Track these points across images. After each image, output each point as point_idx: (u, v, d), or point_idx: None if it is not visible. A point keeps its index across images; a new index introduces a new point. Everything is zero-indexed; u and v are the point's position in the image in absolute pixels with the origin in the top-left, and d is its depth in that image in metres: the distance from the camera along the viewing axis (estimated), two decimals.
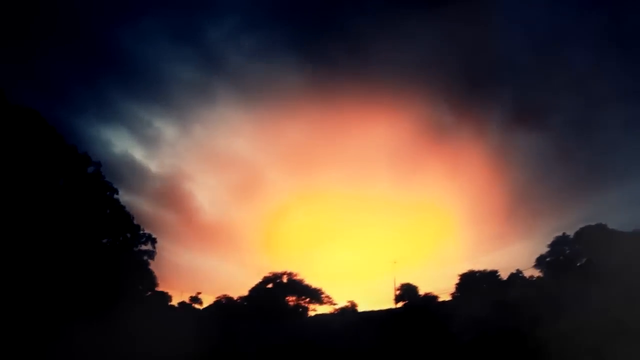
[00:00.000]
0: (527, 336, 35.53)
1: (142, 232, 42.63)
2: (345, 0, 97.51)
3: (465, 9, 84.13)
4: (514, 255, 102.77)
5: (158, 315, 43.78)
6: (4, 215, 27.76)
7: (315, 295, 65.12)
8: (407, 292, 65.01)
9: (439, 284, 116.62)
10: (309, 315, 64.84)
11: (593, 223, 52.97)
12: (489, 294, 52.16)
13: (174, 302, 65.29)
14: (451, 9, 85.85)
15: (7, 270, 26.93)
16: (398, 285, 65.54)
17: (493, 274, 60.13)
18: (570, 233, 54.78)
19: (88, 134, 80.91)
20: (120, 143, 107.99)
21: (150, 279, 48.91)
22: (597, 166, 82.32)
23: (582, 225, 54.35)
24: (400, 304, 65.03)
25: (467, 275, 61.27)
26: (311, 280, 65.45)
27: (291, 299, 65.23)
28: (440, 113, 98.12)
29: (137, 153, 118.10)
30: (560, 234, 56.03)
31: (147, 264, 45.02)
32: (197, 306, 68.85)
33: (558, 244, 55.49)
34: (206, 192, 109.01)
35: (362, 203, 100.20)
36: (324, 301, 65.11)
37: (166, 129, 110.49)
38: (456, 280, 61.98)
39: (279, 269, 65.51)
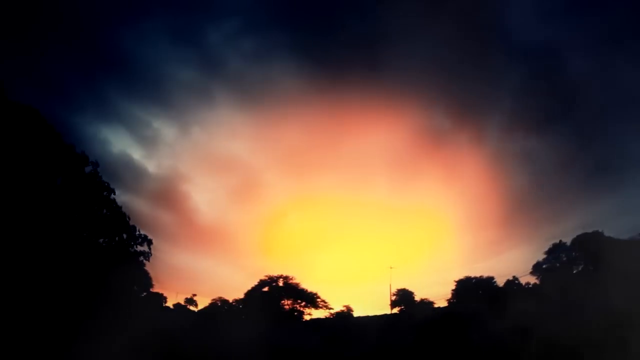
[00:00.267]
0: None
1: (138, 232, 42.40)
2: (345, 4, 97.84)
3: (464, 14, 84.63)
4: (510, 261, 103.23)
5: (153, 316, 43.60)
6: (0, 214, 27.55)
7: (311, 300, 64.95)
8: (403, 297, 64.98)
9: (435, 289, 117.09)
10: (304, 319, 64.68)
11: (590, 230, 53.14)
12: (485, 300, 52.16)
13: (169, 303, 65.15)
14: (450, 14, 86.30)
15: (1, 270, 26.69)
16: (394, 290, 65.61)
17: (489, 280, 60.14)
18: (567, 240, 54.92)
19: (86, 132, 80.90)
20: (119, 143, 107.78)
21: (145, 280, 48.71)
22: (594, 174, 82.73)
23: (578, 233, 54.47)
24: (396, 309, 65.00)
25: (463, 282, 61.25)
26: (307, 284, 65.48)
27: (287, 303, 65.01)
28: (438, 118, 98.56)
29: (135, 153, 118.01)
30: (557, 241, 56.12)
31: (143, 264, 44.80)
32: (192, 308, 68.65)
33: (555, 251, 55.52)
34: (203, 193, 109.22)
35: (359, 208, 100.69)
36: (320, 305, 64.99)
37: (165, 129, 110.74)
38: (452, 286, 62.13)
39: (275, 272, 65.58)
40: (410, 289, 65.32)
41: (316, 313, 65.27)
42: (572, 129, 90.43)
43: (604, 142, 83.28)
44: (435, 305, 62.84)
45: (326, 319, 63.82)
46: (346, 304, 65.67)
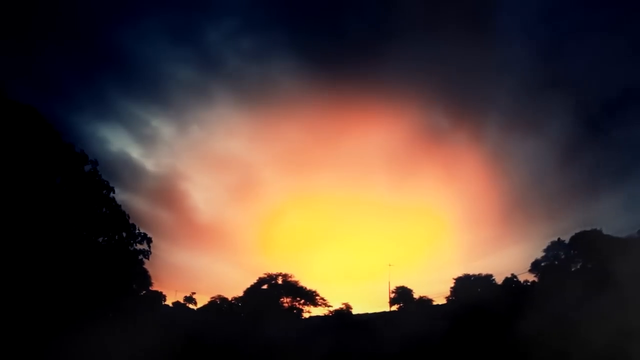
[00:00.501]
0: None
1: (137, 231, 42.37)
2: (344, 3, 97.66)
3: (463, 13, 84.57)
4: (509, 259, 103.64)
5: (152, 314, 43.73)
6: None
7: (310, 297, 65.09)
8: (402, 295, 65.19)
9: (434, 287, 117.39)
10: (303, 317, 64.87)
11: (588, 228, 53.22)
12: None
13: (169, 301, 65.29)
14: (448, 13, 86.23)
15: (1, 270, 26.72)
16: (393, 288, 65.82)
17: (488, 278, 60.33)
18: (566, 238, 55.10)
19: (85, 131, 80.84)
20: (118, 141, 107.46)
21: (144, 278, 48.79)
22: (593, 172, 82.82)
23: (577, 230, 54.65)
24: (395, 307, 65.21)
25: (462, 279, 61.43)
26: (306, 282, 65.62)
27: (286, 300, 65.15)
28: (437, 117, 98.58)
29: (134, 152, 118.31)
30: (555, 238, 56.33)
31: (142, 263, 44.82)
32: (191, 306, 68.83)
33: (553, 249, 55.71)
34: (202, 192, 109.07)
35: (358, 206, 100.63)
36: (319, 303, 65.15)
37: (163, 128, 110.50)
38: (451, 283, 62.33)
39: (274, 270, 65.71)
40: (409, 286, 65.68)
41: (315, 310, 65.57)
42: (571, 128, 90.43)
43: (603, 140, 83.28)
44: (434, 303, 63.18)
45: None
46: (345, 302, 65.94)
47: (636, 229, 48.62)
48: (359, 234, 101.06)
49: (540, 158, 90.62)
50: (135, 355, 30.52)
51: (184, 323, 49.37)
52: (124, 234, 40.21)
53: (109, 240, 38.62)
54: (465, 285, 60.08)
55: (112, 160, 77.80)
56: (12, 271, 27.20)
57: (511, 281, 58.31)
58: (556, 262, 55.15)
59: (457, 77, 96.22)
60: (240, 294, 65.37)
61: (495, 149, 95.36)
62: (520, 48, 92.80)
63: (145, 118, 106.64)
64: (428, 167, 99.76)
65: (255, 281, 64.93)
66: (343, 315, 63.32)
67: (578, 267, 52.98)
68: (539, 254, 56.46)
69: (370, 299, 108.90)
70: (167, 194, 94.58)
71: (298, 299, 65.23)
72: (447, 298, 62.04)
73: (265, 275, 64.84)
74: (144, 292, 50.86)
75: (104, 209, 37.63)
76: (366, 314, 65.07)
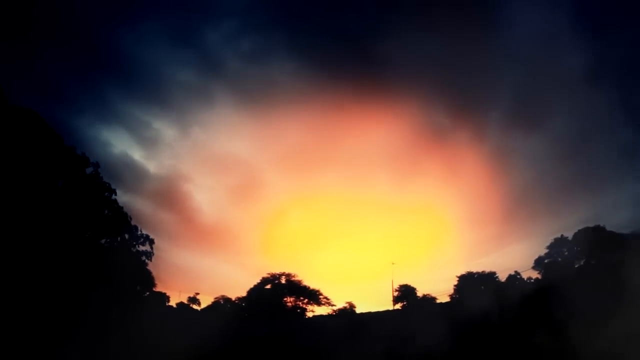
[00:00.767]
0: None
1: (140, 232, 42.71)
2: (344, 3, 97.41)
3: (464, 11, 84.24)
4: (512, 256, 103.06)
5: (156, 315, 43.84)
6: (2, 216, 27.74)
7: (314, 297, 65.17)
8: (405, 293, 65.19)
9: (438, 285, 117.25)
10: (307, 317, 64.98)
11: (591, 225, 52.98)
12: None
13: (172, 302, 65.56)
14: (449, 11, 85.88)
15: (5, 272, 26.89)
16: (396, 286, 65.85)
17: (491, 275, 60.26)
18: (569, 235, 54.78)
19: (87, 134, 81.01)
20: (119, 144, 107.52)
21: (148, 280, 49.00)
22: (595, 168, 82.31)
23: (580, 227, 54.23)
24: (398, 305, 65.22)
25: (465, 277, 61.37)
26: (309, 281, 65.63)
27: (289, 300, 65.26)
28: (437, 116, 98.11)
29: (136, 154, 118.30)
30: (558, 235, 56.05)
31: (145, 264, 45.11)
32: (195, 307, 69.06)
33: (556, 246, 55.53)
34: (204, 193, 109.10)
35: (361, 205, 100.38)
36: (322, 302, 65.20)
37: (165, 130, 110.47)
38: (454, 281, 62.30)
39: (277, 270, 65.70)
40: (412, 285, 65.69)
41: (319, 310, 65.64)
42: (573, 124, 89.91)
43: (605, 136, 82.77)
44: (438, 301, 63.12)
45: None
46: (348, 301, 66.01)
47: (639, 224, 48.40)
48: (361, 233, 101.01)
49: (542, 155, 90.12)
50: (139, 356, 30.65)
51: (189, 323, 49.45)
52: (127, 236, 40.51)
53: (111, 241, 38.90)
54: (469, 283, 59.99)
55: (114, 162, 78.09)
56: (17, 274, 27.39)
57: (514, 278, 58.22)
58: (559, 259, 54.99)
59: (458, 76, 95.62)
60: (244, 294, 65.62)
61: (497, 147, 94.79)
62: (522, 45, 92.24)
63: (147, 120, 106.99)
64: (430, 165, 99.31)
65: (258, 281, 65.14)
66: (347, 314, 63.40)
67: (582, 263, 52.82)
68: (542, 251, 56.32)
69: (373, 298, 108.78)
70: (169, 195, 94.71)
71: (301, 298, 65.29)
72: (451, 296, 62.06)
73: (269, 275, 64.99)
74: (147, 293, 51.08)
75: (106, 211, 37.94)
76: (369, 313, 65.14)
